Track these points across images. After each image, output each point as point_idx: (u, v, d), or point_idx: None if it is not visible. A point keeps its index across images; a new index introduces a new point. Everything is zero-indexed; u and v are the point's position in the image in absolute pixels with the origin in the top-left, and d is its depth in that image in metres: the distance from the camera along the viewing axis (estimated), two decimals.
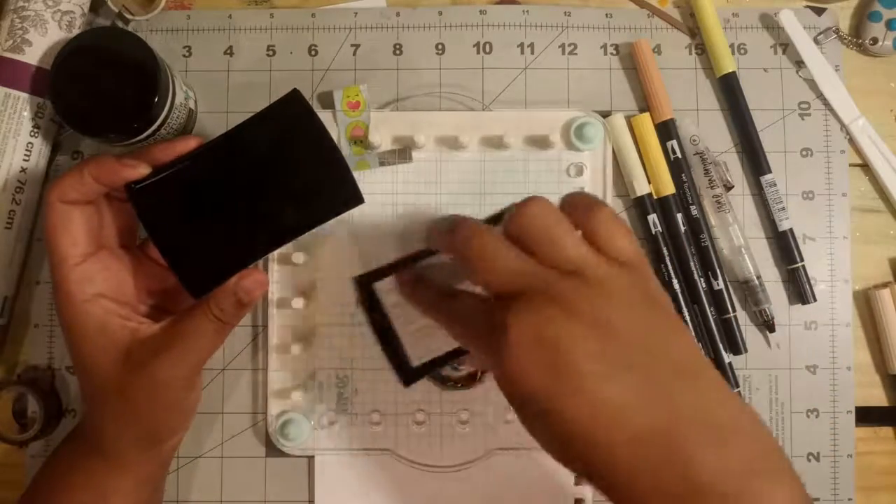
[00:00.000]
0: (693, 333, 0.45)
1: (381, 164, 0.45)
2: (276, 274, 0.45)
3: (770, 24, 0.47)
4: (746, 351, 0.45)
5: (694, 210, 0.45)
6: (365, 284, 0.38)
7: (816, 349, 0.45)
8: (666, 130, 0.45)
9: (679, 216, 0.45)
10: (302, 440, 0.44)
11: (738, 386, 0.45)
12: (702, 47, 0.47)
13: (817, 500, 0.45)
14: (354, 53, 0.47)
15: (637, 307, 0.30)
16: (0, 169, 0.42)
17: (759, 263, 0.45)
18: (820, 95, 0.46)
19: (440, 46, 0.47)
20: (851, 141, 0.46)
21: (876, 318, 0.46)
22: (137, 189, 0.36)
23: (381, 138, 0.45)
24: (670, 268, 0.45)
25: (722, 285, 0.45)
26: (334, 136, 0.37)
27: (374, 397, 0.45)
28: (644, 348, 0.29)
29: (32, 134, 0.43)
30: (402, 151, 0.45)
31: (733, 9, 0.47)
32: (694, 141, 0.45)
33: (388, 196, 0.45)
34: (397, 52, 0.47)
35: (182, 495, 0.45)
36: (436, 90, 0.46)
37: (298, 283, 0.45)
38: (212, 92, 0.46)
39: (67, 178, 0.35)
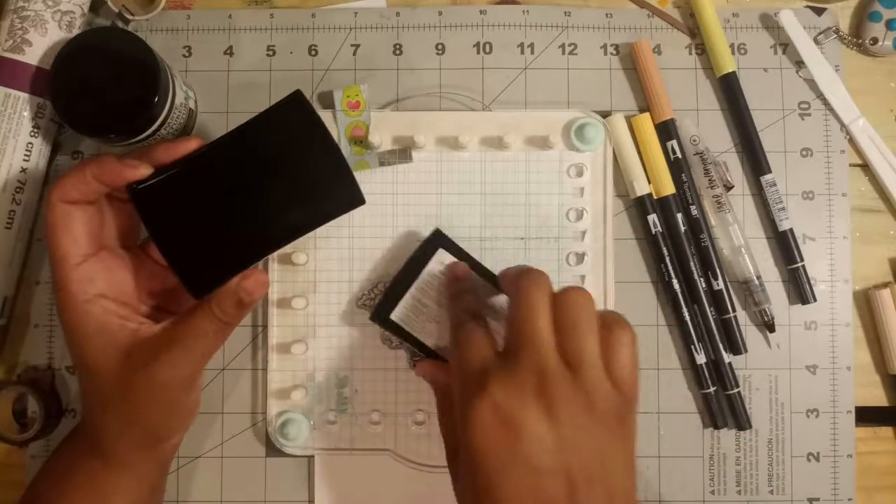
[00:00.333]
0: (694, 334, 0.45)
1: (381, 164, 0.45)
2: (276, 274, 0.45)
3: (770, 24, 0.47)
4: (746, 351, 0.45)
5: (694, 210, 0.45)
6: (437, 241, 0.43)
7: (816, 349, 0.45)
8: (666, 130, 0.45)
9: (679, 216, 0.45)
10: (302, 440, 0.44)
11: (738, 386, 0.45)
12: (702, 47, 0.47)
13: (817, 499, 0.45)
14: (354, 53, 0.47)
15: (606, 429, 0.32)
16: (0, 169, 0.42)
17: (759, 263, 0.45)
18: (820, 95, 0.46)
19: (440, 46, 0.47)
20: (851, 141, 0.46)
21: (876, 318, 0.46)
22: (139, 189, 0.36)
23: (381, 138, 0.45)
24: (670, 268, 0.45)
25: (722, 285, 0.45)
26: (334, 136, 0.37)
27: (373, 397, 0.45)
28: (590, 467, 0.31)
29: (32, 134, 0.43)
30: (402, 151, 0.45)
31: (733, 9, 0.47)
32: (694, 141, 0.45)
33: (388, 196, 0.45)
34: (397, 52, 0.47)
35: (182, 495, 0.45)
36: (436, 90, 0.46)
37: (298, 283, 0.45)
38: (212, 92, 0.46)
39: (69, 177, 0.35)
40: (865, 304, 0.46)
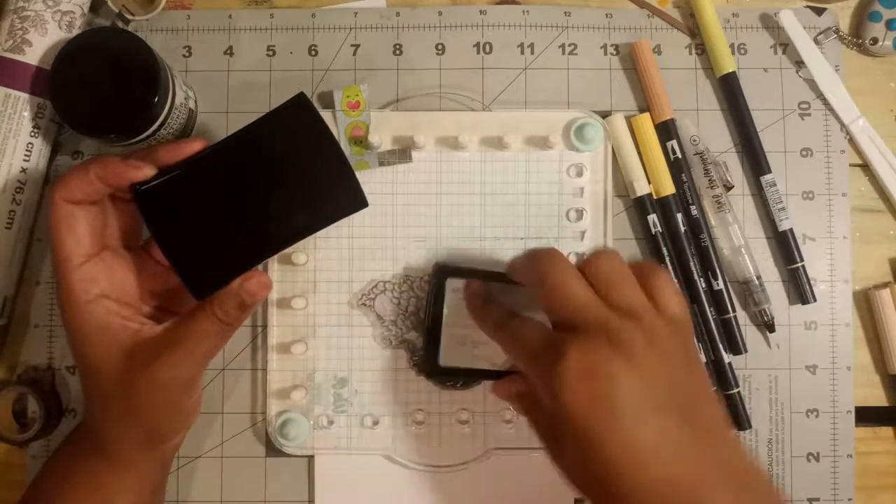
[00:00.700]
0: (695, 337, 0.45)
1: (381, 164, 0.45)
2: (276, 274, 0.45)
3: (770, 24, 0.47)
4: (746, 351, 0.45)
5: (694, 210, 0.45)
6: (442, 274, 0.42)
7: (816, 349, 0.45)
8: (666, 130, 0.45)
9: (679, 216, 0.45)
10: (302, 440, 0.44)
11: (738, 386, 0.45)
12: (702, 47, 0.47)
13: (817, 500, 0.45)
14: (354, 53, 0.47)
15: (678, 361, 0.33)
16: (0, 169, 0.42)
17: (759, 263, 0.45)
18: (820, 95, 0.46)
19: (440, 46, 0.47)
20: (851, 141, 0.46)
21: (876, 318, 0.46)
22: (142, 190, 0.36)
23: (381, 138, 0.45)
24: (670, 268, 0.45)
25: (722, 285, 0.45)
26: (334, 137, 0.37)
27: (373, 397, 0.45)
28: (680, 397, 0.32)
29: (32, 134, 0.43)
30: (402, 151, 0.45)
31: (733, 9, 0.47)
32: (694, 141, 0.45)
33: (388, 196, 0.45)
34: (397, 52, 0.47)
35: (182, 495, 0.45)
36: (436, 90, 0.46)
37: (298, 283, 0.45)
38: (212, 92, 0.46)
39: (73, 177, 0.35)
40: (865, 304, 0.46)
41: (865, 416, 0.46)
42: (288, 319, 0.45)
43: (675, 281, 0.35)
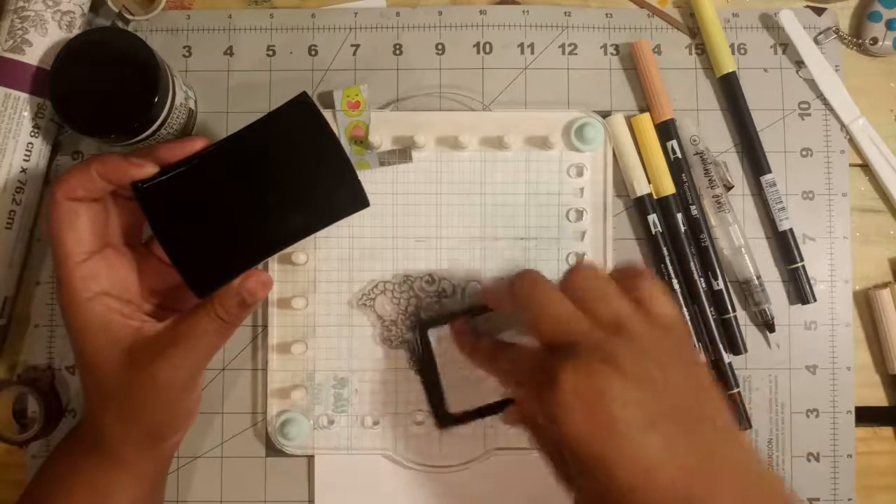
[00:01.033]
0: (694, 334, 0.45)
1: (381, 164, 0.45)
2: (276, 274, 0.45)
3: (770, 24, 0.47)
4: (746, 351, 0.45)
5: (694, 210, 0.45)
6: (422, 328, 0.43)
7: (816, 349, 0.45)
8: (666, 130, 0.45)
9: (679, 216, 0.45)
10: (302, 440, 0.44)
11: (738, 386, 0.45)
12: (702, 47, 0.47)
13: (817, 500, 0.45)
14: (354, 53, 0.47)
15: (674, 365, 0.32)
16: (0, 169, 0.42)
17: (759, 263, 0.45)
18: (820, 95, 0.46)
19: (440, 46, 0.47)
20: (851, 141, 0.46)
21: (876, 318, 0.46)
22: (144, 188, 0.36)
23: (381, 138, 0.45)
24: (670, 268, 0.45)
25: (722, 285, 0.45)
26: None
27: (373, 397, 0.45)
28: (681, 403, 0.32)
29: (32, 134, 0.43)
30: (402, 151, 0.45)
31: (733, 9, 0.47)
32: (694, 141, 0.45)
33: (388, 196, 0.45)
34: (397, 52, 0.47)
35: (182, 495, 0.45)
36: (436, 90, 0.46)
37: (298, 283, 0.45)
38: (212, 92, 0.46)
39: (74, 175, 0.35)
40: (865, 304, 0.46)
41: (865, 416, 0.45)
42: (288, 319, 0.45)
43: (660, 281, 0.34)
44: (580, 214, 0.45)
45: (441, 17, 0.47)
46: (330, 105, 0.45)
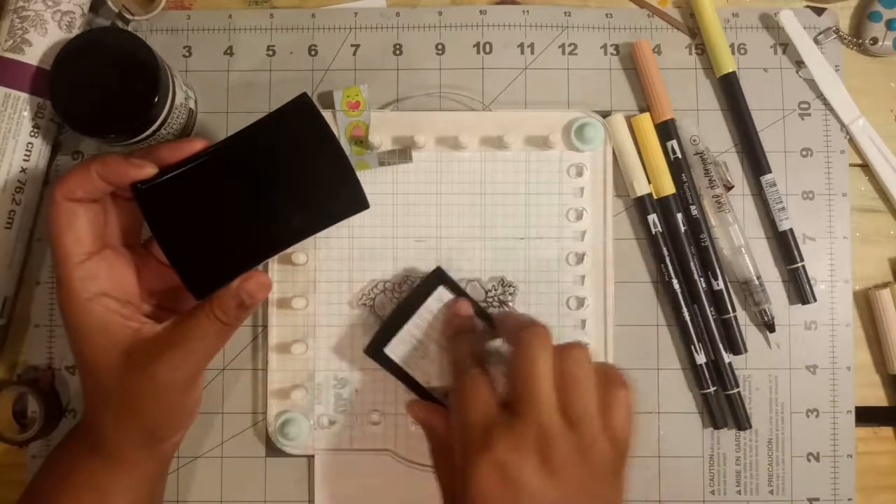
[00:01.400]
0: (694, 334, 0.45)
1: (381, 164, 0.45)
2: (276, 274, 0.45)
3: (770, 24, 0.47)
4: (746, 351, 0.45)
5: (694, 210, 0.45)
6: (439, 280, 0.42)
7: (816, 349, 0.45)
8: (666, 130, 0.45)
9: (679, 216, 0.45)
10: (302, 440, 0.44)
11: (738, 386, 0.45)
12: (702, 47, 0.47)
13: (817, 499, 0.45)
14: (354, 53, 0.47)
15: (604, 481, 0.33)
16: (0, 169, 0.42)
17: (759, 263, 0.45)
18: (820, 95, 0.46)
19: (440, 46, 0.47)
20: (851, 141, 0.46)
21: (876, 318, 0.46)
22: (143, 189, 0.36)
23: (381, 138, 0.45)
24: (670, 268, 0.45)
25: (722, 285, 0.45)
26: None
27: (373, 397, 0.45)
28: None
29: (32, 134, 0.43)
30: (402, 151, 0.45)
31: (733, 9, 0.47)
32: (694, 141, 0.45)
33: (388, 196, 0.45)
34: (397, 52, 0.47)
35: (182, 495, 0.45)
36: (436, 90, 0.46)
37: (298, 283, 0.45)
38: (212, 92, 0.46)
39: (74, 175, 0.35)
40: (865, 304, 0.46)
41: (865, 416, 0.45)
42: (288, 319, 0.45)
43: (631, 395, 0.35)
44: (580, 214, 0.45)
45: (441, 17, 0.47)
46: (330, 105, 0.45)
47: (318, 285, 0.45)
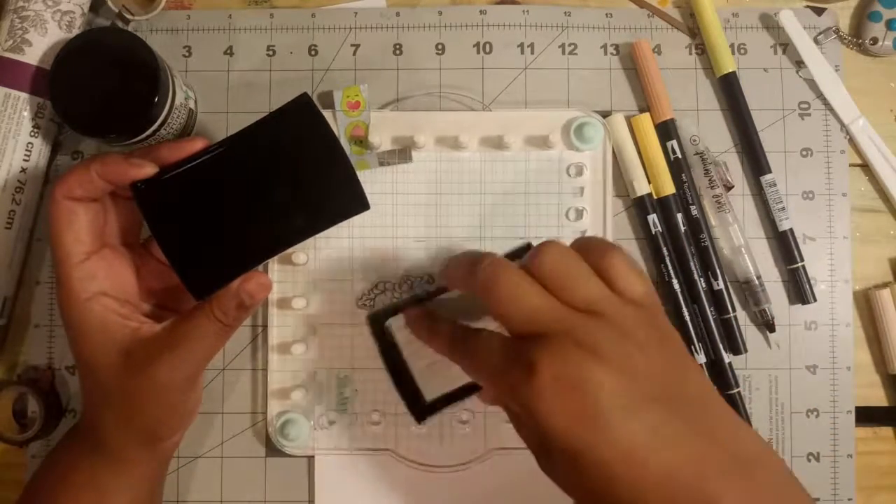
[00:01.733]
0: (694, 334, 0.45)
1: (381, 164, 0.45)
2: (276, 274, 0.45)
3: (770, 24, 0.47)
4: (746, 351, 0.45)
5: (694, 210, 0.45)
6: (378, 321, 0.39)
7: (816, 349, 0.45)
8: (666, 130, 0.45)
9: (679, 216, 0.45)
10: (302, 440, 0.44)
11: (738, 386, 0.45)
12: (702, 47, 0.47)
13: (817, 500, 0.45)
14: (354, 53, 0.47)
15: (652, 345, 0.31)
16: (0, 169, 0.42)
17: (759, 263, 0.45)
18: (820, 95, 0.46)
19: (440, 46, 0.47)
20: (851, 141, 0.46)
21: (876, 318, 0.46)
22: (143, 189, 0.36)
23: (381, 138, 0.45)
24: (670, 268, 0.45)
25: (722, 285, 0.45)
26: None
27: (374, 397, 0.45)
28: (664, 384, 0.30)
29: (32, 134, 0.43)
30: (402, 151, 0.45)
31: (733, 9, 0.47)
32: (694, 141, 0.45)
33: (388, 196, 0.45)
34: (397, 52, 0.47)
35: (182, 495, 0.45)
36: (436, 90, 0.46)
37: (298, 283, 0.45)
38: (212, 92, 0.46)
39: (74, 175, 0.35)
40: (865, 304, 0.46)
41: (865, 416, 0.45)
42: (288, 319, 0.45)
43: (630, 257, 0.33)
44: (580, 214, 0.45)
45: (441, 17, 0.47)
46: (330, 105, 0.45)
47: (318, 285, 0.45)
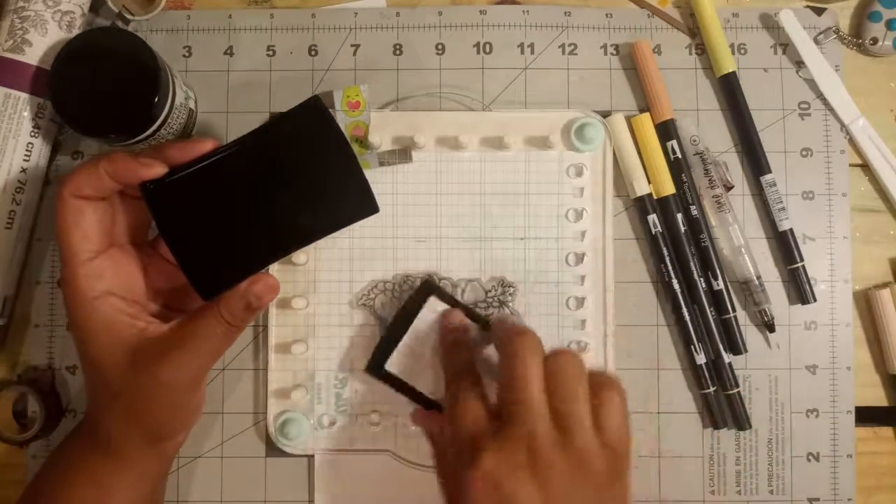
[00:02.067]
0: (694, 334, 0.45)
1: (381, 164, 0.45)
2: (276, 274, 0.45)
3: (770, 24, 0.47)
4: (746, 351, 0.45)
5: (694, 210, 0.45)
6: (428, 290, 0.43)
7: (816, 349, 0.45)
8: (666, 130, 0.45)
9: (679, 216, 0.45)
10: (302, 440, 0.44)
11: (737, 386, 0.45)
12: (702, 47, 0.47)
13: (817, 500, 0.45)
14: (354, 53, 0.47)
15: (601, 492, 0.33)
16: (0, 169, 0.42)
17: (759, 263, 0.45)
18: (820, 95, 0.46)
19: (440, 46, 0.47)
20: (851, 141, 0.46)
21: (876, 318, 0.46)
22: (153, 188, 0.36)
23: (381, 138, 0.45)
24: (670, 268, 0.45)
25: (722, 285, 0.45)
26: None
27: (373, 397, 0.45)
28: None
29: (32, 134, 0.43)
30: (402, 151, 0.45)
31: (733, 9, 0.47)
32: (694, 141, 0.45)
33: (388, 196, 0.45)
34: (397, 52, 0.47)
35: (182, 495, 0.45)
36: (436, 90, 0.46)
37: (298, 283, 0.45)
38: (212, 92, 0.46)
39: (82, 173, 0.35)
40: (865, 304, 0.46)
41: (865, 416, 0.46)
42: (288, 319, 0.45)
43: (626, 405, 0.35)
44: (580, 214, 0.45)
45: (441, 17, 0.47)
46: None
47: (318, 285, 0.45)
